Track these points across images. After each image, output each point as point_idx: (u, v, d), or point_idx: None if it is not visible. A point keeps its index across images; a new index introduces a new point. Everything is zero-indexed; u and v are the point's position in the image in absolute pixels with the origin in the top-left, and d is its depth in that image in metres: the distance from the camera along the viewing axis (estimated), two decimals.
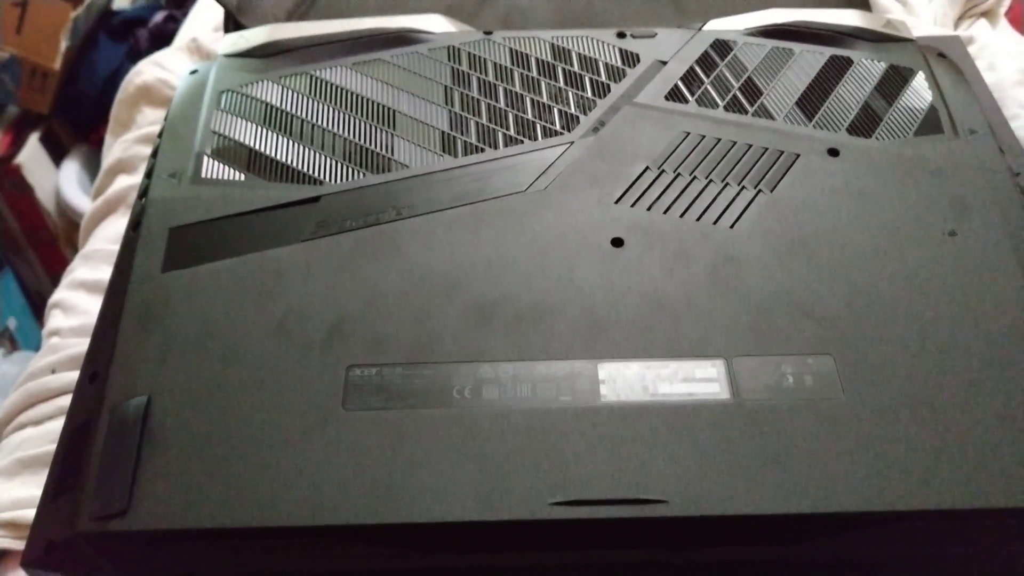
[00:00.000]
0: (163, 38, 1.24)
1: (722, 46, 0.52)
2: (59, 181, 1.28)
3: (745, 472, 0.34)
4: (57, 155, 1.31)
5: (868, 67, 0.50)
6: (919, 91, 0.49)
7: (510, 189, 0.44)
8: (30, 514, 0.46)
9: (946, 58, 0.52)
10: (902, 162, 0.45)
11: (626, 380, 0.36)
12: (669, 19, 0.57)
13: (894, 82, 0.50)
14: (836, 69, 0.50)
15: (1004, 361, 0.36)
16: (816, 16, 0.53)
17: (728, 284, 0.39)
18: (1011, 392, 0.35)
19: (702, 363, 0.37)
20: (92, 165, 1.31)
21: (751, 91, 0.49)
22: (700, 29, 0.53)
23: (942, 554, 0.35)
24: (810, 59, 0.51)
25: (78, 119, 1.30)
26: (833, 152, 0.45)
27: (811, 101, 0.48)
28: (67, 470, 0.36)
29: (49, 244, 1.32)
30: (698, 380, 0.36)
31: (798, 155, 0.45)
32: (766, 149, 0.45)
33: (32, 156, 1.26)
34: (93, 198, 0.68)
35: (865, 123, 0.47)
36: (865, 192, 0.43)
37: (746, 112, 0.48)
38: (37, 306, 1.34)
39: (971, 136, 0.46)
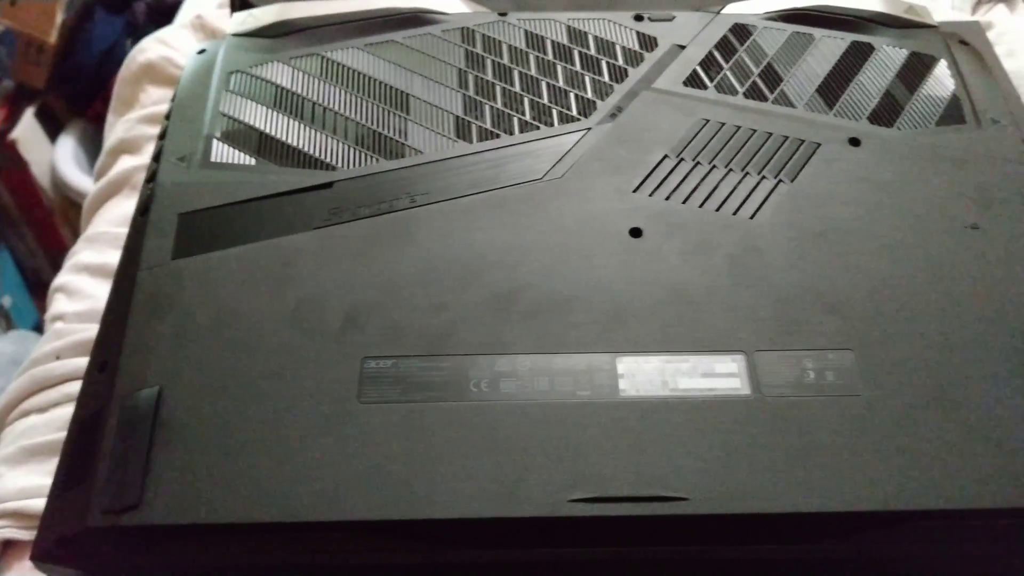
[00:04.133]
0: (161, 12, 1.22)
1: (741, 30, 0.51)
2: (55, 157, 1.26)
3: (767, 469, 0.33)
4: (53, 130, 1.29)
5: (889, 54, 0.49)
6: (941, 79, 0.48)
7: (526, 176, 0.43)
8: (37, 504, 0.46)
9: (968, 45, 0.51)
10: (924, 152, 0.44)
11: (645, 375, 0.36)
12: (687, 0, 0.56)
13: (916, 70, 0.49)
14: (857, 56, 0.49)
15: None
16: (836, 0, 0.52)
17: (748, 276, 0.39)
18: None
19: (722, 358, 0.36)
20: (88, 140, 1.29)
21: (771, 77, 0.48)
22: (719, 12, 0.52)
23: (964, 553, 0.34)
24: (831, 45, 0.50)
25: (74, 93, 1.28)
26: (854, 141, 0.44)
27: (832, 88, 0.47)
28: (77, 462, 0.35)
29: (44, 221, 1.30)
30: (718, 375, 0.36)
31: (819, 144, 0.44)
32: (786, 138, 0.45)
33: (27, 131, 1.24)
34: (95, 179, 0.66)
35: (887, 112, 0.46)
36: (887, 183, 0.43)
37: (766, 99, 0.47)
38: (32, 284, 1.33)
39: (994, 126, 0.45)
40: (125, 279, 0.40)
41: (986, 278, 0.39)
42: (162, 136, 0.46)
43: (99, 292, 0.56)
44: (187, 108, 0.47)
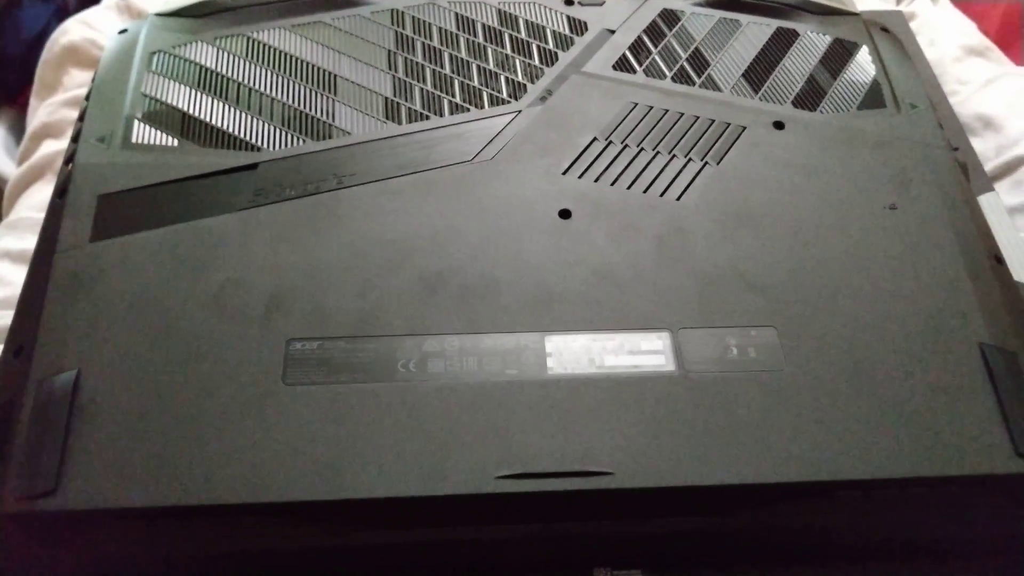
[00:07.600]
0: None
1: (670, 16, 0.51)
2: None
3: (690, 443, 0.34)
4: None
5: (813, 40, 0.51)
6: (863, 65, 0.49)
7: (456, 158, 0.43)
8: None
9: (889, 33, 0.53)
10: (845, 136, 0.45)
11: (573, 353, 0.36)
12: None
13: (839, 56, 0.50)
14: (782, 41, 0.50)
15: (941, 333, 0.37)
16: None
17: (674, 256, 0.39)
18: (948, 363, 0.36)
19: (648, 335, 0.37)
20: (18, 129, 1.25)
21: (698, 62, 0.49)
22: None
23: (882, 522, 0.35)
24: (757, 31, 0.51)
25: (3, 82, 1.24)
26: (779, 125, 0.45)
27: (757, 73, 0.48)
28: None
29: None
30: (644, 352, 0.36)
31: (744, 128, 0.45)
32: (713, 121, 0.45)
33: None
34: (18, 164, 0.65)
35: (810, 96, 0.47)
36: (809, 165, 0.44)
37: (693, 83, 0.47)
38: None
39: (912, 111, 0.47)
40: (41, 262, 0.39)
41: (902, 256, 0.40)
42: (81, 117, 0.44)
43: (20, 279, 0.54)
44: (107, 88, 0.46)
